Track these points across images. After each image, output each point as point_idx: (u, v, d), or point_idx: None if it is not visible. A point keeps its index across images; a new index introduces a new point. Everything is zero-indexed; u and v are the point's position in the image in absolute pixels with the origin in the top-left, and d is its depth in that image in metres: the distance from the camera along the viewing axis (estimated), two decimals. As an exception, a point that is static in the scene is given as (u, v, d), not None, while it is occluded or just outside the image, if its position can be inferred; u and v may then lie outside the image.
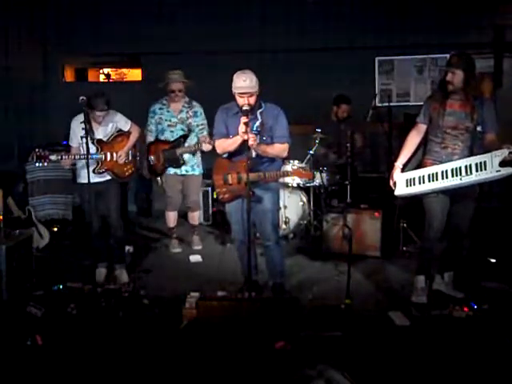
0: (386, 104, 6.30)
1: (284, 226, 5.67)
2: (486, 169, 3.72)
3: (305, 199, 5.96)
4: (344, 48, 7.07)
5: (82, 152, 4.52)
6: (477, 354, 3.28)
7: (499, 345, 3.39)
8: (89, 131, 4.47)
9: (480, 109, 3.90)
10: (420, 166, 4.13)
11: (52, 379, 3.16)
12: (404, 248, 5.44)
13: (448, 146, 3.99)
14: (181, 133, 5.49)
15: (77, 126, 4.58)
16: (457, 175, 3.84)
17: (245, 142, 3.82)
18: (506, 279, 4.39)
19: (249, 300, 3.81)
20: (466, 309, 3.84)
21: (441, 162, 3.97)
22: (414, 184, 4.01)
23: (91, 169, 4.49)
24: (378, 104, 6.67)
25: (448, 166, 3.90)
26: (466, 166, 3.82)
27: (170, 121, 5.50)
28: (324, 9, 7.08)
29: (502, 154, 3.68)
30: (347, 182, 5.61)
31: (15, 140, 7.06)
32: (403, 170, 4.16)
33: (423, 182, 3.97)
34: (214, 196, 4.48)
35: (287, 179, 5.77)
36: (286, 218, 5.66)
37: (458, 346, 3.40)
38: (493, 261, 4.89)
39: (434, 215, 4.05)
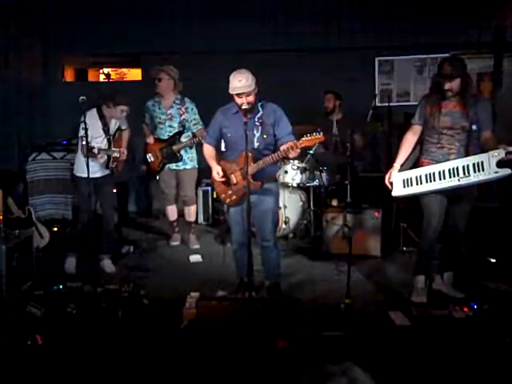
0: (386, 104, 6.31)
1: (284, 226, 5.66)
2: (483, 170, 3.74)
3: (305, 199, 5.96)
4: (344, 48, 7.06)
5: (100, 145, 4.76)
6: (477, 354, 3.28)
7: (499, 345, 3.39)
8: (104, 126, 4.81)
9: (475, 107, 3.91)
10: (416, 165, 4.14)
11: (52, 379, 3.16)
12: (404, 248, 5.44)
13: (444, 146, 3.99)
14: (169, 129, 5.59)
15: (95, 120, 4.74)
16: (455, 176, 3.84)
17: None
18: (506, 279, 4.38)
19: (249, 300, 3.81)
20: (466, 309, 3.84)
21: (437, 162, 3.97)
22: (412, 185, 4.01)
23: (103, 163, 4.80)
24: (378, 104, 6.68)
25: (445, 166, 3.90)
26: (463, 167, 3.83)
27: (160, 118, 5.61)
28: (324, 9, 7.07)
29: (498, 154, 3.69)
30: (347, 182, 5.61)
31: (15, 140, 7.06)
32: (400, 169, 4.16)
33: (421, 183, 3.97)
34: (214, 196, 4.48)
35: (287, 179, 5.78)
36: (286, 217, 5.66)
37: (458, 346, 3.40)
38: (493, 261, 4.89)
39: (433, 215, 4.05)
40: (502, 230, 5.41)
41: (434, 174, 3.92)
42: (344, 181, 5.71)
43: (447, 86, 3.89)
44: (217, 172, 4.08)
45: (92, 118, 4.63)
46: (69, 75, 8.12)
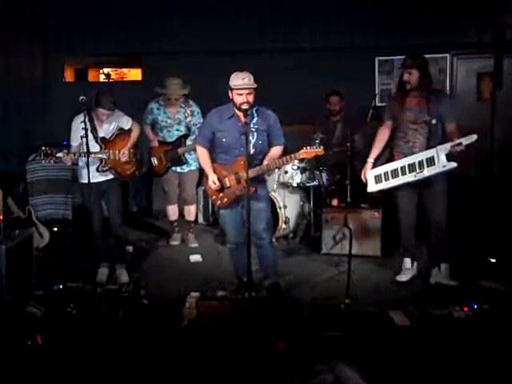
0: (386, 104, 6.30)
1: (284, 226, 5.66)
2: (434, 164, 4.10)
3: (305, 199, 5.96)
4: (344, 48, 7.06)
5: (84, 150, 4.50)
6: (477, 354, 3.28)
7: (499, 345, 3.39)
8: (92, 129, 4.57)
9: (436, 102, 4.22)
10: (389, 159, 4.49)
11: (52, 379, 3.16)
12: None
13: (409, 140, 4.33)
14: (176, 133, 5.59)
15: (78, 125, 4.57)
16: (412, 171, 4.22)
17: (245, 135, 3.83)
18: (506, 279, 4.39)
19: (249, 300, 3.82)
20: (466, 309, 3.85)
21: (404, 155, 4.32)
22: (381, 181, 4.42)
23: (95, 167, 4.59)
24: (378, 104, 6.67)
25: (405, 162, 4.28)
26: (419, 162, 4.19)
27: (166, 122, 5.60)
28: (324, 9, 7.07)
29: (445, 148, 4.05)
30: (347, 182, 5.61)
31: (15, 140, 7.06)
32: (375, 164, 4.54)
33: (388, 179, 4.38)
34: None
35: (287, 179, 5.77)
36: (286, 217, 5.65)
37: (458, 346, 3.40)
38: (493, 261, 4.89)
39: (401, 212, 4.51)
40: (502, 230, 5.41)
41: (397, 169, 4.32)
42: (344, 181, 5.71)
43: (405, 76, 4.27)
44: (213, 181, 4.10)
45: (79, 120, 4.47)
46: (69, 75, 8.10)
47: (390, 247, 5.38)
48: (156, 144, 5.61)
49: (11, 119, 7.15)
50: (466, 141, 4.00)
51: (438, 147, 4.09)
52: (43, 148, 4.56)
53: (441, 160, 4.05)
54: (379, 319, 3.85)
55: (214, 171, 4.14)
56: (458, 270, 4.63)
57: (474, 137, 3.97)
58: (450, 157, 4.07)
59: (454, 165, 4.06)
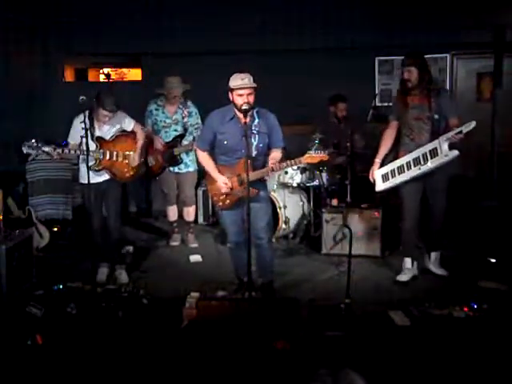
0: (386, 104, 6.30)
1: (284, 226, 5.66)
2: (437, 155, 4.19)
3: (305, 199, 5.96)
4: (344, 48, 7.06)
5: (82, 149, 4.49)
6: (477, 354, 3.28)
7: (499, 345, 3.39)
8: (90, 127, 4.51)
9: (437, 99, 4.32)
10: (395, 158, 4.54)
11: (52, 379, 3.16)
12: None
13: (415, 137, 4.41)
14: (174, 133, 5.59)
15: (78, 125, 4.56)
16: (417, 164, 4.31)
17: (245, 137, 3.82)
18: (506, 279, 4.39)
19: (249, 300, 3.81)
20: (466, 309, 3.85)
21: (410, 152, 4.39)
22: (388, 179, 4.50)
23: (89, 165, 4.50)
24: (378, 104, 6.67)
25: (410, 157, 4.36)
26: (422, 155, 4.28)
27: (165, 122, 5.59)
28: (324, 9, 7.07)
29: (447, 138, 4.14)
30: (347, 182, 5.61)
31: (15, 140, 7.04)
32: (382, 164, 4.59)
33: (394, 176, 4.46)
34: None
35: (287, 179, 5.78)
36: (286, 217, 5.65)
37: (458, 346, 3.40)
38: (493, 261, 4.89)
39: (407, 209, 4.53)
40: (502, 230, 5.41)
41: (403, 165, 4.41)
42: (344, 181, 5.71)
43: (405, 75, 4.37)
44: (224, 183, 4.06)
45: (80, 120, 4.46)
46: (69, 75, 8.11)
47: (390, 247, 5.39)
48: (159, 146, 5.57)
49: (11, 119, 7.15)
50: (465, 128, 4.07)
51: (440, 137, 4.18)
52: (32, 141, 4.51)
53: (443, 150, 4.14)
54: (379, 319, 3.86)
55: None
56: (458, 270, 4.65)
57: (473, 123, 4.03)
58: (451, 146, 4.16)
59: (456, 153, 4.13)
